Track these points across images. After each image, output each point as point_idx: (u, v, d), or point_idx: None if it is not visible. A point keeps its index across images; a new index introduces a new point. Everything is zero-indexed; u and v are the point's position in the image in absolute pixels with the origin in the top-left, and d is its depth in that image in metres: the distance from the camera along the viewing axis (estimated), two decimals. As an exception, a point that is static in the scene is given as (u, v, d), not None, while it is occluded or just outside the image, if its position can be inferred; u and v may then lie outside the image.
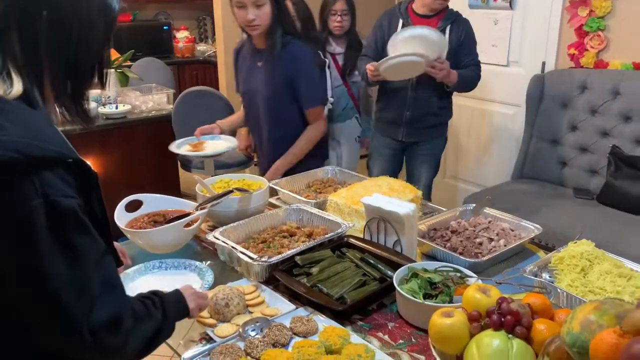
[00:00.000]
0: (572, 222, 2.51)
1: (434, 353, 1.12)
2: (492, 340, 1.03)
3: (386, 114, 2.86)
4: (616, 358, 0.81)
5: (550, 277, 1.43)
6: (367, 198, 1.65)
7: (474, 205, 1.87)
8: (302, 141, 2.33)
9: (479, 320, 1.08)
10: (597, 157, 2.93)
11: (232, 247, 1.56)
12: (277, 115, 2.31)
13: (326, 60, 2.99)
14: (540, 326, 1.04)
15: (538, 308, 1.09)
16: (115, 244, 1.37)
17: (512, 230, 1.73)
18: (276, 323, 1.27)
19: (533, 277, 1.40)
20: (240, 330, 1.25)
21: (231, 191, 1.76)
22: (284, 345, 1.21)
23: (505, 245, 1.62)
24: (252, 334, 1.25)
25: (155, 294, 1.08)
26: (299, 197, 1.99)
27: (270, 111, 2.31)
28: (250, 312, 1.36)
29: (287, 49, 2.20)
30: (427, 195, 2.90)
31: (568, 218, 2.59)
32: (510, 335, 1.03)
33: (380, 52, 2.73)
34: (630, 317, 0.84)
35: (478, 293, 1.14)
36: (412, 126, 2.78)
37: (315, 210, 1.82)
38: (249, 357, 1.17)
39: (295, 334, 1.26)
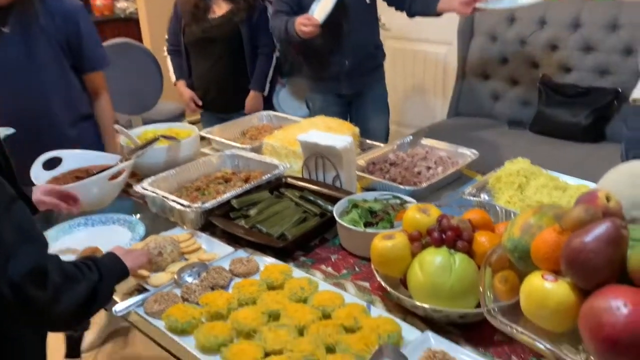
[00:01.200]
0: (507, 151, 2.54)
1: (378, 278, 1.10)
2: (434, 257, 1.01)
3: (323, 69, 2.56)
4: (557, 256, 0.80)
5: (488, 197, 1.44)
6: (303, 135, 1.59)
7: (411, 137, 1.85)
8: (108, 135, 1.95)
9: (420, 240, 1.06)
10: (527, 87, 2.97)
11: (164, 197, 1.47)
12: (48, 92, 1.84)
13: (266, 5, 2.80)
14: (481, 238, 1.03)
15: (478, 222, 1.08)
16: (66, 187, 1.32)
17: (450, 158, 1.73)
18: (214, 266, 1.21)
19: (472, 198, 1.39)
20: (176, 277, 1.18)
21: (157, 139, 1.65)
22: (224, 287, 1.16)
23: (443, 172, 1.62)
24: (189, 279, 1.18)
25: (88, 258, 1.03)
26: (234, 143, 1.90)
27: (35, 89, 1.82)
28: (186, 259, 1.29)
29: (48, 5, 1.76)
30: (387, 140, 2.66)
31: (503, 147, 2.62)
32: (452, 251, 1.01)
33: (297, 3, 2.42)
34: (569, 215, 0.83)
35: (418, 213, 1.11)
36: (352, 75, 2.53)
37: (251, 155, 1.74)
38: (186, 303, 1.10)
39: (235, 275, 1.20)
